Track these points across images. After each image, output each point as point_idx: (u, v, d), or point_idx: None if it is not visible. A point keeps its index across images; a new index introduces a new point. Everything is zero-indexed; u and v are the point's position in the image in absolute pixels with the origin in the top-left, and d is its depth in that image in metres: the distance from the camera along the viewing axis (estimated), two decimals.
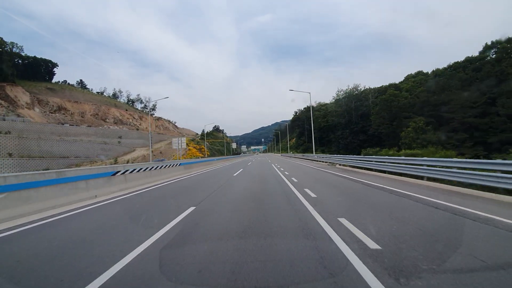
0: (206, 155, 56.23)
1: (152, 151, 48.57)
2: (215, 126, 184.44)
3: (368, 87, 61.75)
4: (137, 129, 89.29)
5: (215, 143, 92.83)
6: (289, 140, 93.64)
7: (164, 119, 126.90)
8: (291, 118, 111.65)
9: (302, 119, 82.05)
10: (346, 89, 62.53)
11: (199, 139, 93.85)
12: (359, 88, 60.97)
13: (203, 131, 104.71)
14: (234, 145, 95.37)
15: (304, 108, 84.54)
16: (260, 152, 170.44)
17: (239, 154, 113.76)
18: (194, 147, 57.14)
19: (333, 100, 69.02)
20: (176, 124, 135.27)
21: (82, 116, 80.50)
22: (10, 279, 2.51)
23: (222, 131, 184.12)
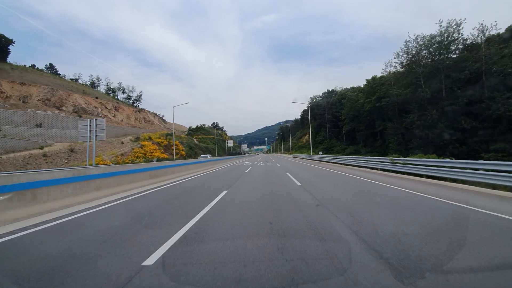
0: (177, 156, 36.08)
1: (72, 148, 28.37)
2: (214, 123, 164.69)
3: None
4: (110, 121, 69.09)
5: (205, 140, 72.22)
6: (301, 138, 73.46)
7: (149, 111, 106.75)
8: (300, 113, 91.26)
9: (321, 106, 61.26)
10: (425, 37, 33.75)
11: (186, 134, 73.64)
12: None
13: (190, 126, 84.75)
14: (230, 143, 75.26)
15: (324, 94, 63.72)
16: (263, 153, 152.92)
17: (239, 154, 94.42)
18: (160, 143, 36.54)
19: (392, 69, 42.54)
20: (164, 118, 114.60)
21: (24, 101, 60.60)
22: None
23: (221, 129, 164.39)
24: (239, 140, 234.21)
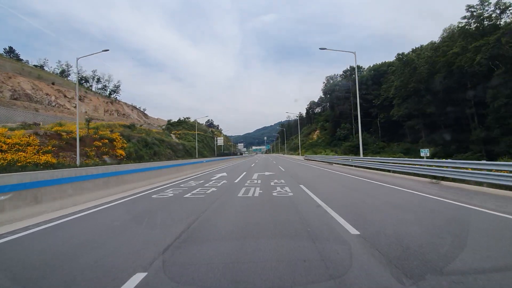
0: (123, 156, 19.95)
1: None
2: (209, 120, 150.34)
3: None
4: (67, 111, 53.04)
5: (187, 136, 55.65)
6: (309, 134, 57.67)
7: (126, 103, 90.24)
8: (307, 105, 75.28)
9: (344, 87, 44.74)
10: None
11: (164, 129, 57.35)
12: None
13: (170, 120, 68.56)
14: (219, 141, 59.09)
15: (345, 72, 47.40)
16: (262, 153, 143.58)
17: (235, 154, 78.88)
18: (63, 135, 19.88)
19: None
20: (145, 113, 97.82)
21: None
22: None
23: (216, 127, 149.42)
24: (237, 139, 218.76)
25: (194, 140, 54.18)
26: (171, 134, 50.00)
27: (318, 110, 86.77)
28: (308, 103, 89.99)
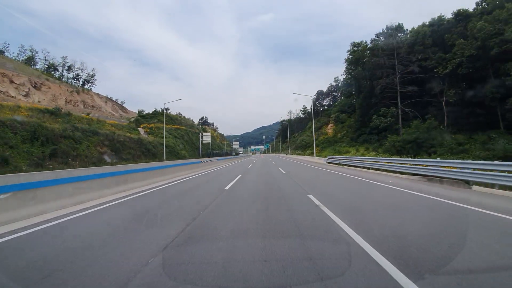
0: None
1: None
2: (203, 117, 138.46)
3: None
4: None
5: (163, 131, 42.08)
6: (321, 128, 44.85)
7: (100, 94, 76.95)
8: (313, 95, 62.21)
9: (386, 48, 30.83)
10: None
11: (131, 122, 44.12)
12: None
13: (141, 110, 55.21)
14: (205, 138, 45.67)
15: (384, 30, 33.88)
16: (261, 153, 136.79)
17: (228, 155, 66.42)
18: None
19: None
20: (124, 105, 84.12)
21: None
22: None
23: (211, 125, 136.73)
24: (235, 139, 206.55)
25: (171, 137, 40.94)
26: (140, 128, 36.97)
27: (326, 101, 74.10)
28: (314, 93, 77.13)
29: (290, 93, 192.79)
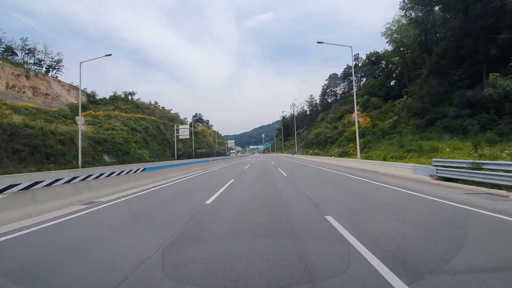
0: None
1: None
2: (196, 114, 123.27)
3: None
4: None
5: (124, 121, 28.90)
6: (342, 118, 32.07)
7: (61, 81, 63.73)
8: (325, 80, 49.11)
9: None
10: None
11: (71, 109, 30.84)
12: None
13: (92, 93, 42.15)
14: (182, 133, 32.28)
15: None
16: (260, 152, 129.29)
17: (222, 155, 55.32)
18: None
19: None
20: (96, 96, 70.59)
21: None
22: None
23: (206, 122, 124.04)
24: (232, 138, 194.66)
25: (126, 129, 27.91)
26: (79, 118, 24.07)
27: (340, 89, 60.77)
28: (326, 78, 63.42)
29: (289, 92, 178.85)
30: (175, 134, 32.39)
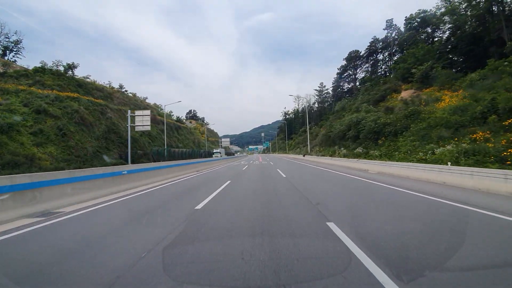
0: None
1: None
2: (190, 110, 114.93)
3: None
4: None
5: (33, 100, 17.71)
6: (393, 94, 20.79)
7: (22, 66, 52.33)
8: (343, 59, 37.03)
9: None
10: None
11: None
12: None
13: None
14: (139, 122, 21.45)
15: None
16: (259, 152, 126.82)
17: (210, 155, 45.66)
18: None
19: None
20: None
21: None
22: None
23: (201, 119, 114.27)
24: (231, 137, 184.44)
25: (28, 110, 16.91)
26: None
27: (361, 72, 48.54)
28: (344, 59, 51.24)
29: (289, 92, 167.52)
30: (129, 124, 21.43)
